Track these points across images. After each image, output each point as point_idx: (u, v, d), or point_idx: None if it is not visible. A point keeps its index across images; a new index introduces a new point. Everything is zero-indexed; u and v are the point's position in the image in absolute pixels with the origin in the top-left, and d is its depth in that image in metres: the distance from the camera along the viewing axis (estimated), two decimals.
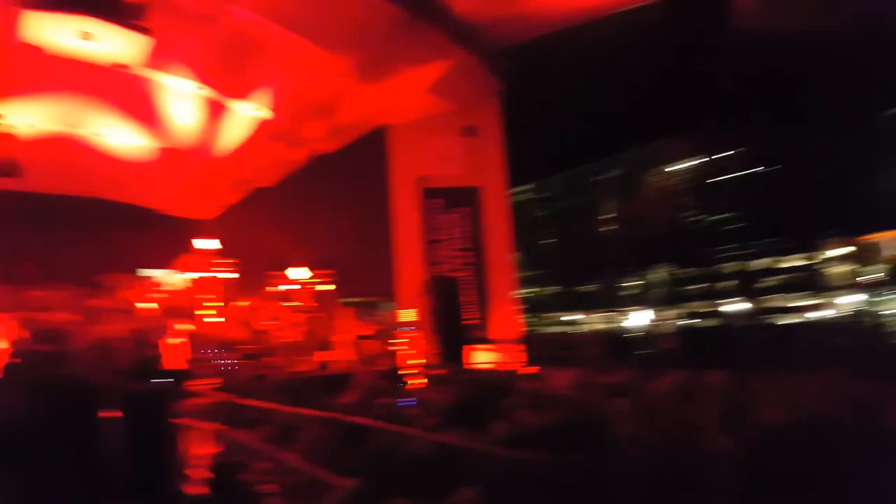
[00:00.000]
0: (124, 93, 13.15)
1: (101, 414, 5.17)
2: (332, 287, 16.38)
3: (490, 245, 17.43)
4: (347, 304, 15.62)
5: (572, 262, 46.52)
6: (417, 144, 17.31)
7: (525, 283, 37.24)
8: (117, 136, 13.62)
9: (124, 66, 12.62)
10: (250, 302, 15.21)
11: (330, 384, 9.15)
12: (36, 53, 11.66)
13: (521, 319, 18.17)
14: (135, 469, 4.91)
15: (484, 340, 16.11)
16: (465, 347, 14.85)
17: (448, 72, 15.24)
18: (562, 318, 46.25)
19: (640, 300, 43.60)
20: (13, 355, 9.57)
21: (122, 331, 12.03)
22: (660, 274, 43.49)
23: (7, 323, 10.58)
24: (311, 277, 16.29)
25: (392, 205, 17.22)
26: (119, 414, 5.25)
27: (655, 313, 41.65)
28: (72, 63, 12.13)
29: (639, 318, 42.01)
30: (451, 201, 17.52)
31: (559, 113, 21.09)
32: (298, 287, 16.13)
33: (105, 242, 14.70)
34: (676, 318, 39.79)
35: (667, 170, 45.20)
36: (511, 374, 11.03)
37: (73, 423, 4.81)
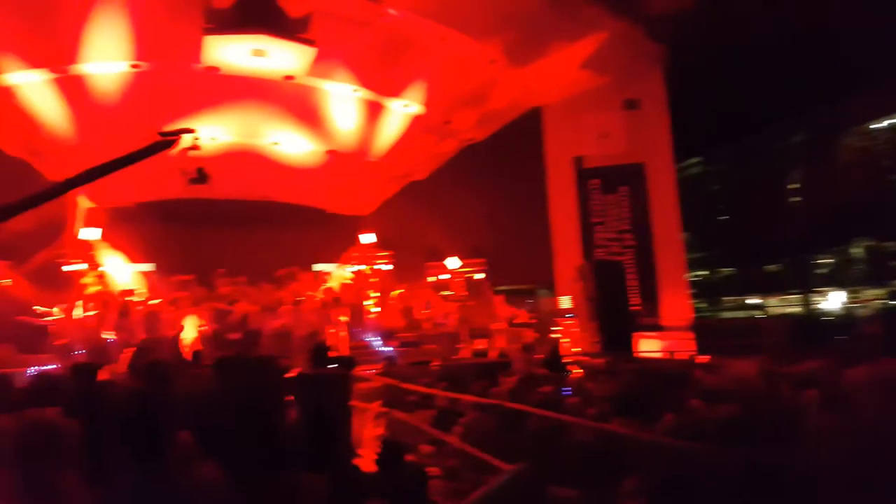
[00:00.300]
0: (293, 102, 14.20)
1: (282, 396, 5.54)
2: (485, 275, 16.44)
3: (656, 225, 16.46)
4: (502, 292, 15.60)
5: (751, 241, 42.44)
6: (573, 123, 16.77)
7: (696, 264, 34.80)
8: (289, 143, 14.78)
9: (291, 78, 13.66)
10: (408, 292, 15.76)
11: (487, 371, 9.18)
12: (215, 74, 13.02)
13: (693, 304, 16.98)
14: (311, 446, 5.19)
15: (652, 327, 15.29)
16: (634, 335, 14.19)
17: (604, 44, 14.51)
18: (740, 302, 42.68)
19: (833, 280, 38.77)
20: (203, 342, 10.86)
21: (297, 321, 13.12)
22: (858, 249, 38.29)
23: (200, 315, 11.98)
24: (465, 266, 16.46)
25: (548, 188, 16.88)
26: (296, 396, 5.61)
27: (853, 294, 36.88)
28: (246, 79, 13.37)
29: (833, 300, 37.52)
30: (612, 181, 16.79)
31: (731, 77, 19.17)
32: (452, 276, 16.39)
33: (283, 241, 16.10)
34: (880, 299, 34.93)
35: (870, 127, 39.37)
36: (684, 363, 10.30)
37: (259, 403, 5.18)
